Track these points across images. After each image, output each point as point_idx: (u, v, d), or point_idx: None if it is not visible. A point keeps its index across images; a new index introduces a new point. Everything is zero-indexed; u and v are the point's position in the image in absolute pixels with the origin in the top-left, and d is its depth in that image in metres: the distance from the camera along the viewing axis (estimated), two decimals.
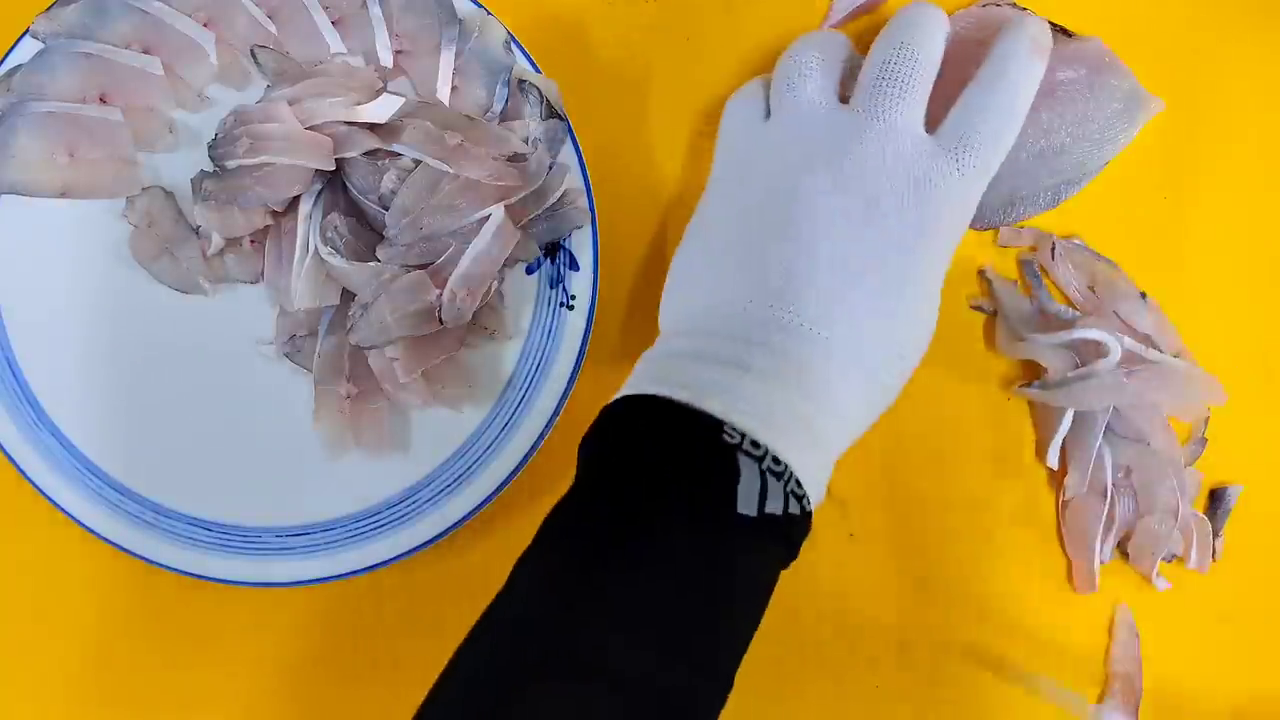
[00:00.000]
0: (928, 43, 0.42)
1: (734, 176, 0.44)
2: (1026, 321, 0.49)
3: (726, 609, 0.36)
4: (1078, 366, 0.47)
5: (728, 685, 0.36)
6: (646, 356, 0.41)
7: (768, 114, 0.45)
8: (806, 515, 0.37)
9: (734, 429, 0.36)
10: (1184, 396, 0.47)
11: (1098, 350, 0.47)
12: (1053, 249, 0.49)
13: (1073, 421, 0.47)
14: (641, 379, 0.39)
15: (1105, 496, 0.47)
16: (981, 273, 0.50)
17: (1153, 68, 0.51)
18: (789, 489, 0.36)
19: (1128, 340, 0.47)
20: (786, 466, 0.36)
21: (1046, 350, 0.47)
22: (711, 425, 0.36)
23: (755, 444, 0.36)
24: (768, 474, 0.36)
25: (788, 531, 0.37)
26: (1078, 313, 0.49)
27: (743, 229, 0.42)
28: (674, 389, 0.37)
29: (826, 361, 0.38)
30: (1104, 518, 0.47)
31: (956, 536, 0.48)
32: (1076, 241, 0.50)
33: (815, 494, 0.38)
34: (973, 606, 0.48)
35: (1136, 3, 0.52)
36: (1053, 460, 0.48)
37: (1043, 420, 0.49)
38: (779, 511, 0.36)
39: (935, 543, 0.48)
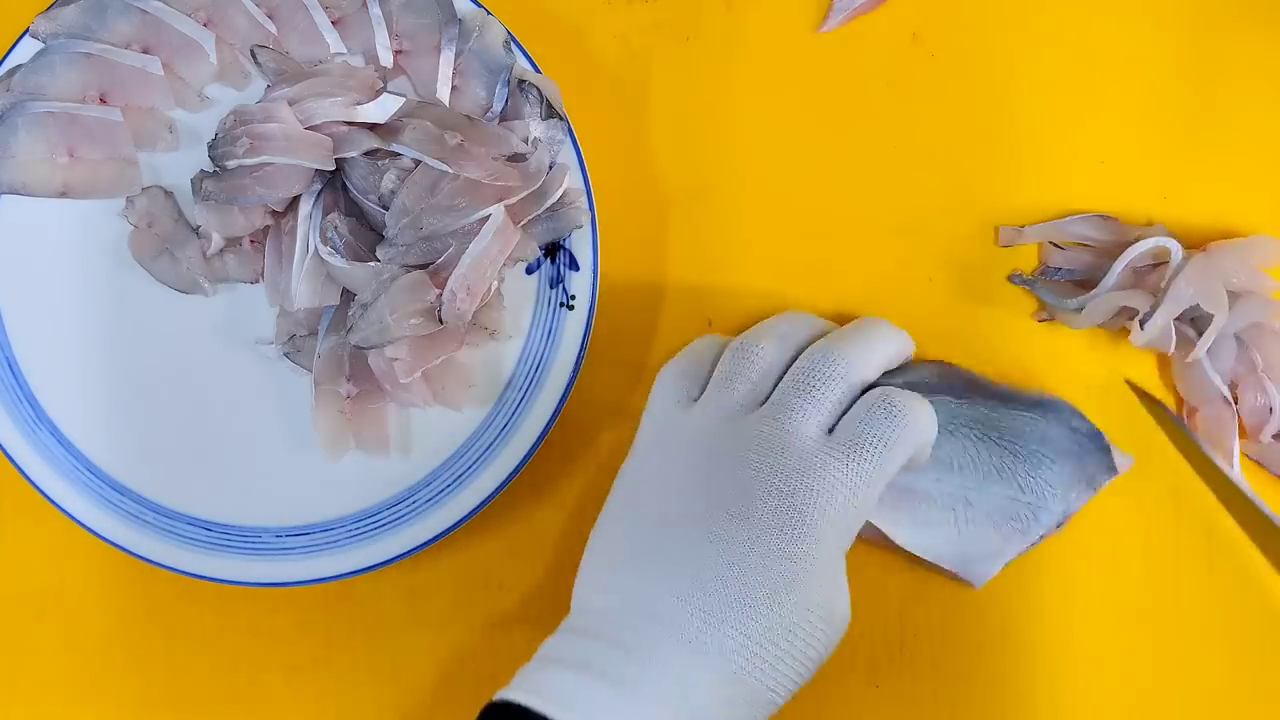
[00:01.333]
0: (858, 361, 0.42)
1: (649, 459, 0.44)
2: (1072, 293, 0.49)
3: None
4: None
5: None
6: (551, 640, 0.41)
7: (700, 393, 0.44)
8: None
9: None
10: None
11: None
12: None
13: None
14: (529, 671, 0.40)
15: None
16: (1012, 278, 0.50)
17: (1153, 67, 0.51)
18: None
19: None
20: None
21: (1125, 295, 0.47)
22: None
23: None
24: None
25: None
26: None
27: (634, 525, 0.42)
28: (533, 696, 0.38)
29: (688, 673, 0.38)
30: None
31: None
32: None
33: None
34: (973, 606, 0.48)
35: (1137, 3, 0.52)
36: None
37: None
38: None
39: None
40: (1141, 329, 0.46)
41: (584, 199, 0.47)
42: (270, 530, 0.47)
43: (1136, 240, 0.49)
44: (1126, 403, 0.49)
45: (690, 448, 0.42)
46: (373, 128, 0.46)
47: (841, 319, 0.50)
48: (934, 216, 0.50)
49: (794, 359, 0.44)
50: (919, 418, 0.42)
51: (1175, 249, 0.47)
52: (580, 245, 0.47)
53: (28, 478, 0.47)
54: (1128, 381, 0.49)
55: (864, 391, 0.43)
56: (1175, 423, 0.48)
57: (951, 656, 0.48)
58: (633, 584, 0.40)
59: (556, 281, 0.47)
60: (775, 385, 0.43)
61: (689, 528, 0.40)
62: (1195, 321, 0.47)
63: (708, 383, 0.44)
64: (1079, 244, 0.50)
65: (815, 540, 0.39)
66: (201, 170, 0.46)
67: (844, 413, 0.42)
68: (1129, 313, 0.47)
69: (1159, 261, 0.48)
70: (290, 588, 0.46)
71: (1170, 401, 0.49)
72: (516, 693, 0.38)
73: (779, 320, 0.46)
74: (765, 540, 0.39)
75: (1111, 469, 0.46)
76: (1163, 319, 0.46)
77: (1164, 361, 0.49)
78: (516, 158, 0.47)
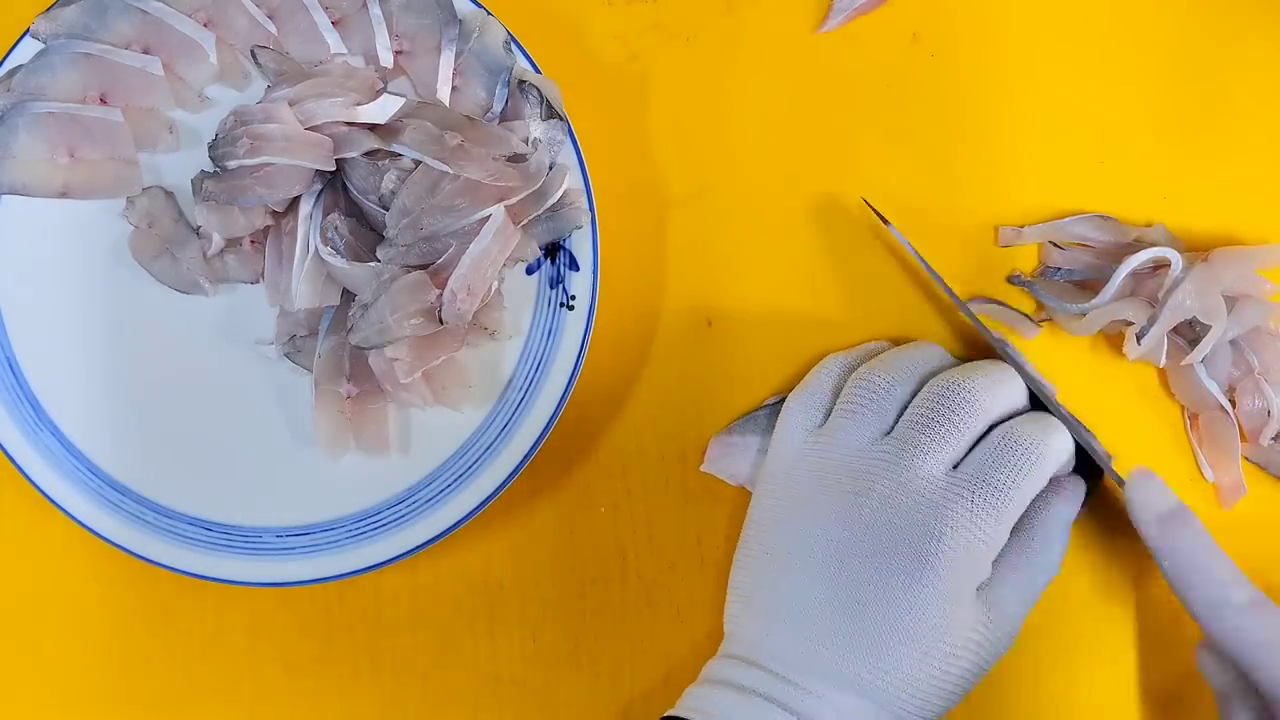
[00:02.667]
0: (982, 395, 0.42)
1: (784, 490, 0.44)
2: (1073, 295, 0.49)
3: None
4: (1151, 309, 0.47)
5: None
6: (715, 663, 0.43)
7: (826, 417, 0.45)
8: None
9: None
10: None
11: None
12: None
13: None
14: (696, 692, 0.42)
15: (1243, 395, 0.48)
16: (1012, 278, 0.50)
17: (1153, 67, 0.51)
18: None
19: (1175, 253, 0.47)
20: None
21: (1122, 306, 0.47)
22: None
23: None
24: None
25: None
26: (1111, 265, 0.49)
27: (771, 560, 0.43)
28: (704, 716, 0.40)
29: (824, 709, 0.40)
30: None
31: None
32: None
33: None
34: None
35: (1138, 3, 0.52)
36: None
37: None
38: None
39: None
40: (1138, 343, 0.46)
41: (584, 199, 0.47)
42: (270, 530, 0.47)
43: (1136, 240, 0.49)
44: (1127, 403, 0.49)
45: (820, 481, 0.43)
46: (373, 128, 0.46)
47: (847, 321, 0.50)
48: (934, 216, 0.50)
49: (917, 390, 0.44)
50: (1048, 447, 0.42)
51: (1175, 261, 0.47)
52: (580, 245, 0.47)
53: (28, 478, 0.47)
54: (864, 199, 0.49)
55: (992, 426, 0.43)
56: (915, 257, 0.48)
57: None
58: (779, 620, 0.42)
59: (556, 281, 0.47)
60: (899, 417, 0.43)
61: (820, 566, 0.41)
62: (1192, 325, 0.47)
63: (832, 408, 0.45)
64: (1079, 244, 0.50)
65: (938, 580, 0.40)
66: (202, 170, 0.46)
67: (972, 447, 0.42)
68: (1127, 320, 0.47)
69: (1159, 265, 0.48)
70: (290, 588, 0.46)
71: (1173, 408, 0.49)
72: (688, 712, 0.40)
73: (903, 350, 0.46)
74: (892, 581, 0.40)
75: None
76: (1158, 334, 0.46)
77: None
78: (517, 158, 0.47)
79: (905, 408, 0.43)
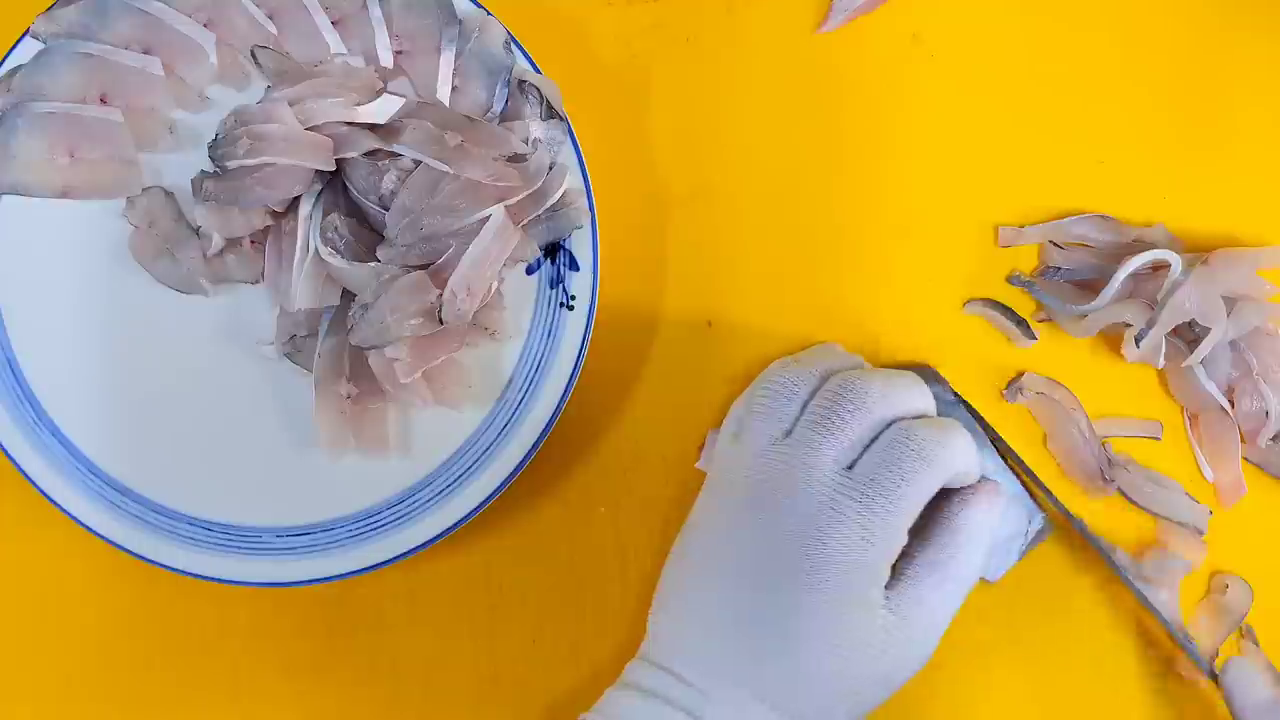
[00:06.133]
0: (877, 394, 0.41)
1: (708, 497, 0.44)
2: (1073, 295, 0.49)
3: None
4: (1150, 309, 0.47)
5: None
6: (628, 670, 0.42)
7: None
8: None
9: None
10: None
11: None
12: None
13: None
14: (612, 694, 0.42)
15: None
16: (1012, 279, 0.50)
17: (1153, 67, 0.51)
18: None
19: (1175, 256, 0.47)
20: None
21: (1121, 309, 0.47)
22: None
23: None
24: None
25: None
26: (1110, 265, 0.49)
27: (690, 562, 0.42)
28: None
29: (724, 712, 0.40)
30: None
31: None
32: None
33: None
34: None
35: (1138, 3, 0.52)
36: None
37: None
38: None
39: None
40: (1137, 346, 0.46)
41: (584, 199, 0.47)
42: (270, 530, 0.47)
43: (1136, 240, 0.49)
44: (1127, 404, 0.49)
45: (730, 486, 0.43)
46: (373, 128, 0.46)
47: (845, 321, 0.50)
48: (934, 216, 0.50)
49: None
50: (945, 448, 0.41)
51: (1175, 263, 0.47)
52: (580, 245, 0.47)
53: (28, 478, 0.47)
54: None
55: (890, 426, 0.42)
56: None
57: (954, 652, 0.48)
58: (688, 624, 0.41)
59: (556, 281, 0.47)
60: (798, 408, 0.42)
61: (723, 571, 0.41)
62: (1191, 327, 0.47)
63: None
64: (1079, 244, 0.50)
65: (826, 583, 0.39)
66: (202, 171, 0.46)
67: (869, 445, 0.41)
68: (1126, 323, 0.47)
69: (1159, 266, 0.48)
70: (290, 588, 0.46)
71: (1173, 408, 0.49)
72: (594, 713, 0.40)
73: (809, 352, 0.45)
74: (785, 584, 0.40)
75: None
76: (1157, 336, 0.46)
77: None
78: (516, 158, 0.47)
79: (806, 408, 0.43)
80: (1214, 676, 0.45)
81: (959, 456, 0.41)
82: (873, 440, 0.41)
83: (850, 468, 0.41)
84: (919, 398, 0.43)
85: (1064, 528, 0.48)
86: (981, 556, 0.42)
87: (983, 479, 0.43)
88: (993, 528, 0.42)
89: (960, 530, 0.41)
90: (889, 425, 0.41)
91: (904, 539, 0.40)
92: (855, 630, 0.40)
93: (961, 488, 0.42)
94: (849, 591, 0.40)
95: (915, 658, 0.41)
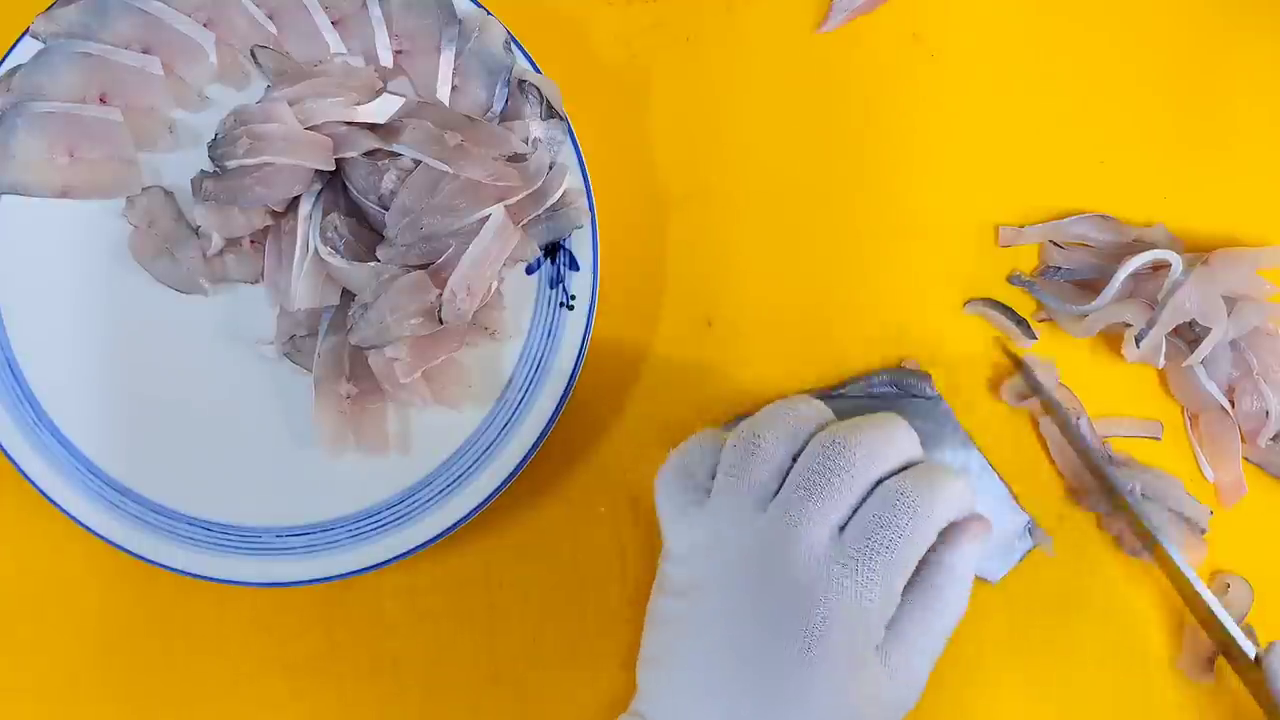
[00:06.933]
0: (865, 455, 0.40)
1: (682, 564, 0.42)
2: (1073, 295, 0.49)
3: None
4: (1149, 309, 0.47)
5: None
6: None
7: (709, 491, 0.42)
8: None
9: None
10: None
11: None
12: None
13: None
14: None
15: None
16: (1012, 278, 0.50)
17: (1153, 67, 0.51)
18: None
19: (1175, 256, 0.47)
20: None
21: (1121, 309, 0.47)
22: None
23: None
24: None
25: None
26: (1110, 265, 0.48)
27: (674, 629, 0.41)
28: None
29: None
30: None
31: None
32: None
33: None
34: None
35: (1138, 3, 0.52)
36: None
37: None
38: None
39: None
40: (1137, 346, 0.46)
41: (584, 199, 0.47)
42: (270, 530, 0.47)
43: (1136, 240, 0.49)
44: (1127, 403, 0.49)
45: (708, 553, 0.41)
46: (373, 128, 0.46)
47: (845, 321, 0.50)
48: (934, 216, 0.50)
49: (799, 448, 0.41)
50: (939, 502, 0.40)
51: (1176, 263, 0.47)
52: (580, 245, 0.47)
53: (28, 478, 0.47)
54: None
55: (881, 481, 0.40)
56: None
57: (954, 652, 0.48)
58: (680, 692, 0.40)
59: (556, 281, 0.47)
60: (784, 480, 0.41)
61: (715, 638, 0.40)
62: (1191, 327, 0.47)
63: (714, 477, 0.42)
64: (1079, 244, 0.50)
65: (826, 650, 0.38)
66: (202, 170, 0.46)
67: (859, 505, 0.40)
68: (1127, 323, 0.47)
69: (1159, 266, 0.48)
70: (290, 588, 0.46)
71: (1174, 408, 0.49)
72: None
73: (779, 407, 0.42)
74: (782, 654, 0.39)
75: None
76: (1157, 336, 0.46)
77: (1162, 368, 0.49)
78: (516, 158, 0.47)
79: (786, 470, 0.41)
80: (1257, 661, 0.45)
81: (953, 504, 0.40)
82: (863, 500, 0.40)
83: (842, 529, 0.40)
84: (905, 445, 0.41)
85: (1064, 528, 0.48)
86: (964, 591, 0.41)
87: (973, 516, 0.42)
88: (975, 558, 0.41)
89: (947, 571, 0.40)
90: (878, 483, 0.40)
91: (899, 598, 0.40)
92: (858, 687, 0.39)
93: (948, 525, 0.41)
94: (850, 654, 0.39)
95: (906, 700, 0.40)
